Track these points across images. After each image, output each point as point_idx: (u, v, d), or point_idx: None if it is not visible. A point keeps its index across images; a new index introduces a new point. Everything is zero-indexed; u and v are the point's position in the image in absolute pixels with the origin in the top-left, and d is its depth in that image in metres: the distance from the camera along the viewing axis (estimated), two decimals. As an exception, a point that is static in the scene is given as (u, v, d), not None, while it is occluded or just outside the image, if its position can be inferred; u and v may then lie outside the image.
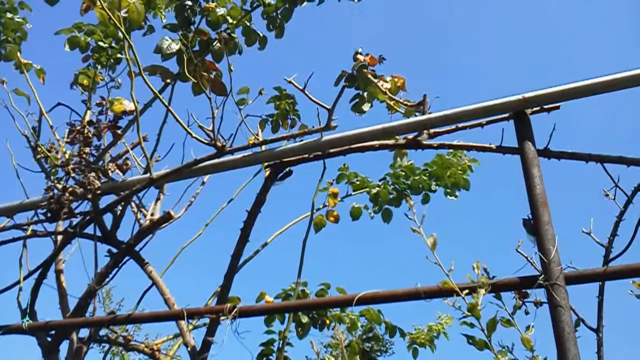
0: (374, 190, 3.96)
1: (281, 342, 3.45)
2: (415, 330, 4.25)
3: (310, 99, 2.67)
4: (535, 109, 2.34)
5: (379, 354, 4.14)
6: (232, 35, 3.12)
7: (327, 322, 3.81)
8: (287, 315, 3.56)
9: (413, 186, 3.91)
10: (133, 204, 3.08)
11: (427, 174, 3.95)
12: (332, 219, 3.79)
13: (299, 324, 3.65)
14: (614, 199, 2.38)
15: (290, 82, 2.70)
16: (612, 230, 2.37)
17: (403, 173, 3.89)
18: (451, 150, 3.99)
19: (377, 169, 4.08)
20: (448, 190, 3.95)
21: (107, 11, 2.82)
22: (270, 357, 3.59)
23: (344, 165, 4.03)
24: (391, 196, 3.95)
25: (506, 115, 2.40)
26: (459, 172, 3.92)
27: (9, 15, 3.72)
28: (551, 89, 2.29)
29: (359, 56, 3.05)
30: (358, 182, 4.04)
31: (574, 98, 2.30)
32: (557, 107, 2.36)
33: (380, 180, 4.04)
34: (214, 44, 3.11)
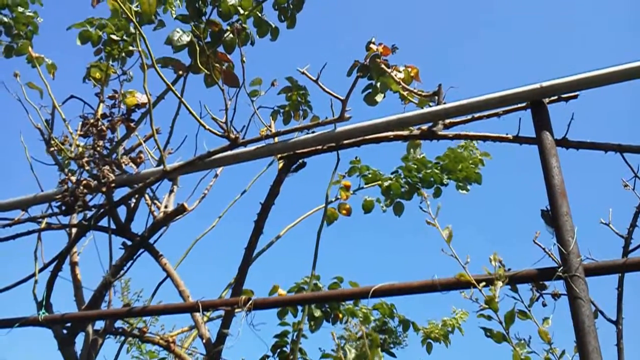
0: (385, 184, 3.93)
1: (295, 334, 3.45)
2: (429, 325, 4.24)
3: (323, 89, 2.64)
4: (553, 98, 2.30)
5: (392, 346, 4.11)
6: (244, 26, 3.09)
7: (340, 316, 3.81)
8: (300, 308, 3.56)
9: (425, 179, 3.87)
10: (147, 196, 3.08)
11: (439, 168, 3.91)
12: (344, 211, 3.77)
13: (311, 317, 3.66)
14: (633, 189, 2.33)
15: (303, 72, 2.68)
16: (632, 221, 2.33)
17: (415, 166, 3.86)
18: (462, 144, 3.95)
19: (389, 162, 4.06)
20: (460, 184, 3.91)
21: (119, 2, 2.81)
22: (285, 348, 3.59)
23: (356, 158, 4.01)
24: (403, 189, 3.92)
25: (523, 104, 2.36)
26: (471, 165, 3.87)
27: (20, 9, 3.72)
28: (569, 77, 2.25)
29: (371, 46, 3.01)
30: (370, 175, 4.01)
31: (593, 87, 2.26)
32: (576, 96, 2.32)
33: (392, 174, 4.00)
34: (226, 35, 3.10)
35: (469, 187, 3.88)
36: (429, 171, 3.84)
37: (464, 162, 3.85)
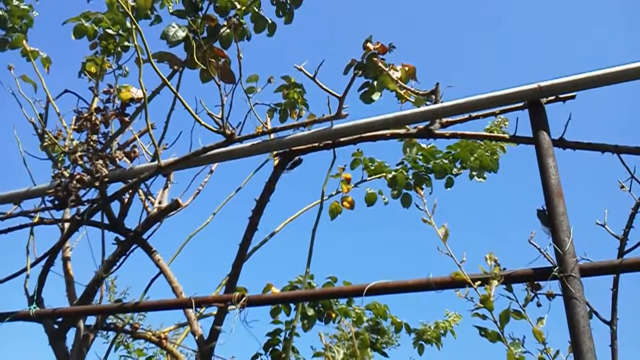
0: (389, 175, 3.86)
1: (288, 332, 3.44)
2: (422, 327, 4.22)
3: (320, 86, 2.63)
4: (550, 98, 2.30)
5: (385, 346, 4.10)
6: (241, 21, 3.08)
7: (333, 315, 3.78)
8: (293, 306, 3.54)
9: (435, 170, 3.80)
10: (141, 191, 3.06)
11: (450, 157, 3.83)
12: (347, 204, 3.73)
13: (304, 316, 3.63)
14: (630, 190, 2.33)
15: (300, 69, 2.66)
16: (627, 222, 2.33)
17: (421, 157, 3.79)
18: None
19: (392, 158, 4.00)
20: (474, 173, 3.82)
21: (115, -4, 2.79)
22: (277, 347, 3.58)
23: (358, 150, 3.94)
24: (411, 181, 3.86)
25: (521, 104, 2.35)
26: (487, 154, 3.77)
27: (15, 2, 3.70)
28: (567, 77, 2.25)
29: (368, 44, 3.00)
30: (374, 168, 3.96)
31: (590, 87, 2.25)
32: (573, 97, 2.31)
33: (398, 165, 3.95)
34: (222, 30, 3.07)
35: (485, 175, 3.77)
36: (438, 161, 3.77)
37: (480, 150, 3.74)
